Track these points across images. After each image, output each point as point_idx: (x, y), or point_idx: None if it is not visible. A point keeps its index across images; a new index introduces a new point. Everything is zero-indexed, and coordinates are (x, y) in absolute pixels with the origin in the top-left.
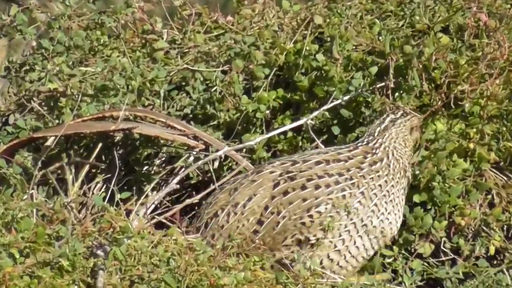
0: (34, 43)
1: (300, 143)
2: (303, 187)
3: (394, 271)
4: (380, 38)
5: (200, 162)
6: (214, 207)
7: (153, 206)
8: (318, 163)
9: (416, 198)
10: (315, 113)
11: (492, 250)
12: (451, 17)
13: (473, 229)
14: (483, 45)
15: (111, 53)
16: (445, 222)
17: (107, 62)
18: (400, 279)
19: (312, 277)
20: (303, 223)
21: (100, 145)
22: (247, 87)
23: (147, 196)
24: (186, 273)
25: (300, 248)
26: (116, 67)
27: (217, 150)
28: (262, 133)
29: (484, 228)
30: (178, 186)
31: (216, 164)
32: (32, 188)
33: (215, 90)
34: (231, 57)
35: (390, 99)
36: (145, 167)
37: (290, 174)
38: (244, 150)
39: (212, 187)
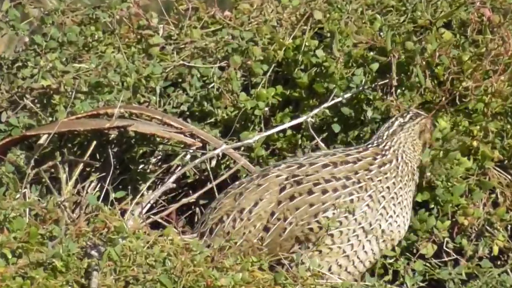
0: (26, 39)
1: (300, 141)
2: (310, 192)
3: (396, 272)
4: (381, 34)
5: (197, 161)
6: (219, 213)
7: (148, 205)
8: (325, 166)
9: (418, 197)
10: (315, 111)
11: (495, 251)
12: (454, 12)
13: (476, 229)
14: (487, 41)
15: (106, 49)
16: (448, 222)
17: (102, 58)
18: (401, 280)
19: (311, 278)
20: (311, 229)
21: (94, 143)
22: (245, 84)
23: (142, 195)
24: (182, 274)
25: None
26: (111, 63)
27: (215, 148)
28: (260, 130)
29: (488, 228)
30: (174, 185)
31: (214, 162)
32: (25, 187)
33: (213, 87)
34: (229, 53)
35: (392, 97)
36: (141, 166)
37: (296, 178)
38: (242, 148)
39: (209, 186)
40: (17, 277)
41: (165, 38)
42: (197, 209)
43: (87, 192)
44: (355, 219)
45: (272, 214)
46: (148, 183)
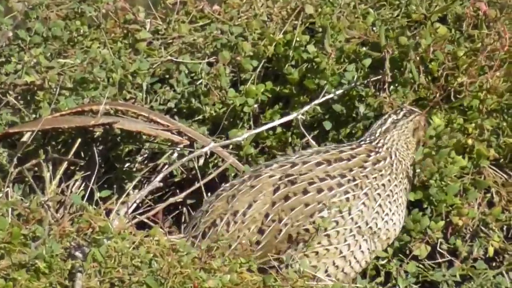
0: (10, 34)
1: (290, 139)
2: (305, 191)
3: (388, 274)
4: (374, 28)
5: (184, 159)
6: (212, 216)
7: (134, 205)
8: (318, 164)
9: (411, 197)
10: (306, 108)
11: (490, 252)
12: (449, 7)
13: (471, 230)
14: (482, 36)
15: (91, 44)
16: (442, 222)
17: (87, 54)
18: (394, 281)
19: (301, 279)
20: (307, 230)
21: (79, 141)
22: (234, 80)
23: (128, 194)
24: (168, 276)
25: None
26: (96, 58)
27: (203, 146)
28: (249, 128)
29: (483, 228)
30: (161, 184)
31: (201, 161)
32: (8, 186)
33: (201, 83)
34: (218, 48)
35: (385, 93)
36: (127, 164)
37: (290, 178)
38: (231, 146)
39: (197, 185)
40: None
41: (152, 33)
42: (184, 209)
43: (71, 192)
44: (352, 218)
45: (267, 215)
46: (134, 182)
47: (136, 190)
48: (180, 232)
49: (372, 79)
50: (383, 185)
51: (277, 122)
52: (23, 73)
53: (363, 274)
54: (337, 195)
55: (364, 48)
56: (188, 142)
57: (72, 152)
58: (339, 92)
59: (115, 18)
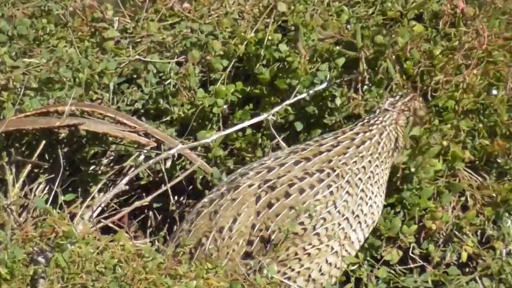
0: None
1: (260, 141)
2: (287, 195)
3: (358, 280)
4: (348, 27)
5: (151, 161)
6: (196, 235)
7: (99, 209)
8: (297, 163)
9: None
10: (277, 108)
11: (464, 257)
12: (426, 3)
13: (444, 234)
14: (460, 34)
15: (58, 43)
16: (415, 227)
17: (53, 53)
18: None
19: (269, 285)
20: (295, 233)
21: (43, 142)
22: (204, 80)
23: (93, 198)
24: (133, 282)
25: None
26: (63, 58)
27: (170, 148)
28: (218, 129)
29: (456, 232)
30: (127, 187)
31: (169, 163)
32: None
33: (169, 83)
34: (187, 47)
35: (359, 93)
36: (92, 167)
37: (269, 184)
38: (199, 148)
39: (163, 188)
40: None
41: (120, 32)
42: (151, 212)
43: (34, 195)
44: (338, 212)
45: (253, 227)
46: (99, 185)
47: (102, 194)
48: (146, 237)
49: (345, 79)
50: (363, 167)
51: (247, 123)
52: None
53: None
54: (320, 191)
55: (337, 47)
56: (156, 144)
57: (36, 154)
58: (311, 92)
59: (83, 16)
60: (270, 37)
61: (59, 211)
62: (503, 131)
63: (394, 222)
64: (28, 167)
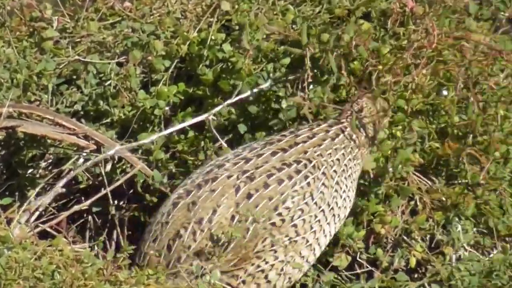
0: None
1: (203, 143)
2: (266, 185)
3: (304, 286)
4: (294, 26)
5: (89, 163)
6: (174, 226)
7: (37, 213)
8: (274, 153)
9: None
10: (218, 108)
11: (412, 262)
12: (374, 1)
13: (392, 239)
14: (409, 33)
15: None
16: (363, 231)
17: None
18: None
19: None
20: (273, 224)
21: None
22: (145, 81)
23: (30, 202)
24: None
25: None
26: (0, 58)
27: (109, 150)
28: (160, 132)
29: (405, 237)
30: (64, 189)
31: (109, 166)
32: None
33: (109, 84)
34: (128, 47)
35: (304, 93)
36: (30, 170)
37: (247, 174)
38: (140, 151)
39: (103, 191)
40: None
41: (60, 31)
42: (90, 217)
43: None
44: (315, 203)
45: (233, 218)
46: (37, 189)
47: (39, 197)
48: (85, 242)
49: (290, 78)
50: (338, 159)
51: (187, 123)
52: None
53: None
54: (298, 182)
55: (283, 47)
56: (95, 147)
57: None
58: (255, 90)
59: (21, 16)
60: (213, 37)
61: None
62: (454, 132)
63: (345, 226)
64: None
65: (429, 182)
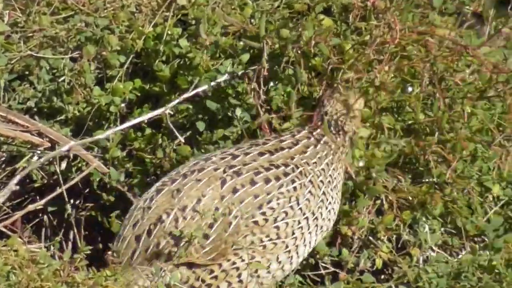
0: None
1: (160, 141)
2: (252, 182)
3: None
4: (252, 21)
5: (43, 159)
6: (156, 211)
7: None
8: (261, 154)
9: None
10: (175, 102)
11: (378, 263)
12: None
13: (358, 239)
14: (371, 28)
15: None
16: (330, 232)
17: None
18: None
19: None
20: (256, 222)
21: None
22: (100, 77)
23: None
24: None
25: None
26: None
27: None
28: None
29: (371, 238)
30: (17, 187)
31: (64, 165)
32: None
33: (63, 80)
34: (82, 42)
35: (262, 89)
36: None
37: (234, 169)
38: (96, 149)
39: (58, 190)
40: None
41: (11, 26)
42: (45, 216)
43: None
44: (300, 209)
45: (216, 210)
46: None
47: None
48: (40, 242)
49: (249, 74)
50: (323, 169)
51: (143, 117)
52: None
53: None
54: (285, 184)
55: (241, 42)
56: (50, 144)
57: None
58: (212, 83)
59: None
60: (169, 32)
61: None
62: (422, 129)
63: None
64: None
65: (395, 181)
